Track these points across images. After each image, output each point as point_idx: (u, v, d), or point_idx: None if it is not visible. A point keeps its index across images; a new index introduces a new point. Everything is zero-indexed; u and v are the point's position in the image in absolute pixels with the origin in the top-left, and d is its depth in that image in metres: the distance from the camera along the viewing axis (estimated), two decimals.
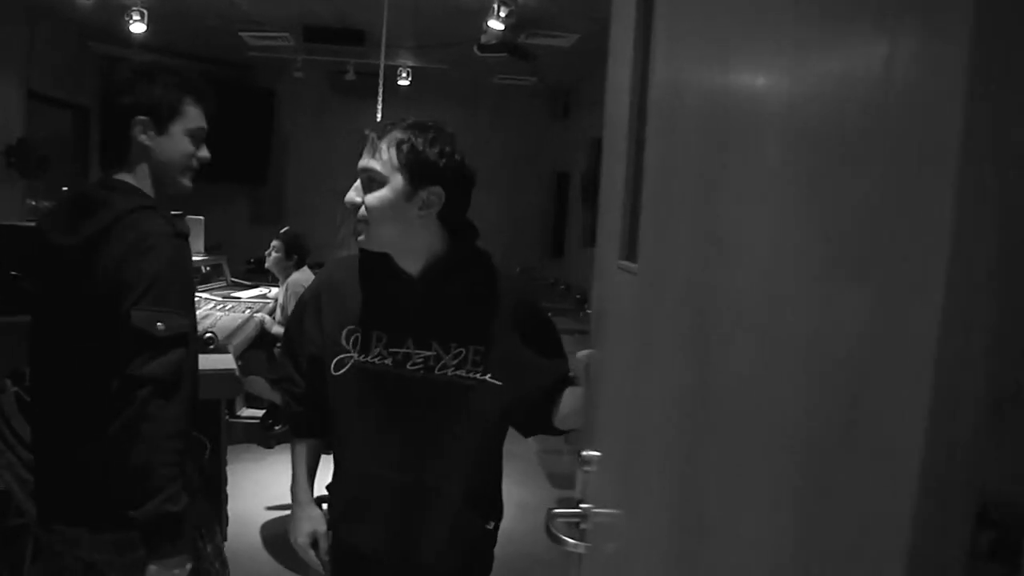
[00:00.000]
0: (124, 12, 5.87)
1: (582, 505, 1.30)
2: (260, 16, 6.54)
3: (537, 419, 1.75)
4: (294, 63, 8.10)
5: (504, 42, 5.89)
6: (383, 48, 5.05)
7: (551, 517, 1.30)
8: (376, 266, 1.71)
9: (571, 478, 1.40)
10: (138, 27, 5.88)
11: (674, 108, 0.94)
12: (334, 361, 1.70)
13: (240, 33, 7.08)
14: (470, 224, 1.74)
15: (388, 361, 1.67)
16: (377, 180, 1.60)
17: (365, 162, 1.61)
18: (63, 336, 1.79)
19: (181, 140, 1.85)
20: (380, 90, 4.93)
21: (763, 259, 0.70)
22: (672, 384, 0.91)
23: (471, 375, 1.65)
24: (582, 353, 1.51)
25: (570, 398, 1.69)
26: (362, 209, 1.60)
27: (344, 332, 1.70)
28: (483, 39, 5.69)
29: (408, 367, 1.66)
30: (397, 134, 1.60)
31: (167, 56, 8.04)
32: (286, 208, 9.69)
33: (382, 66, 5.08)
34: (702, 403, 0.81)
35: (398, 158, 1.59)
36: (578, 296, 6.62)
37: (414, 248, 1.67)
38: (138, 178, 1.83)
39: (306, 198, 9.70)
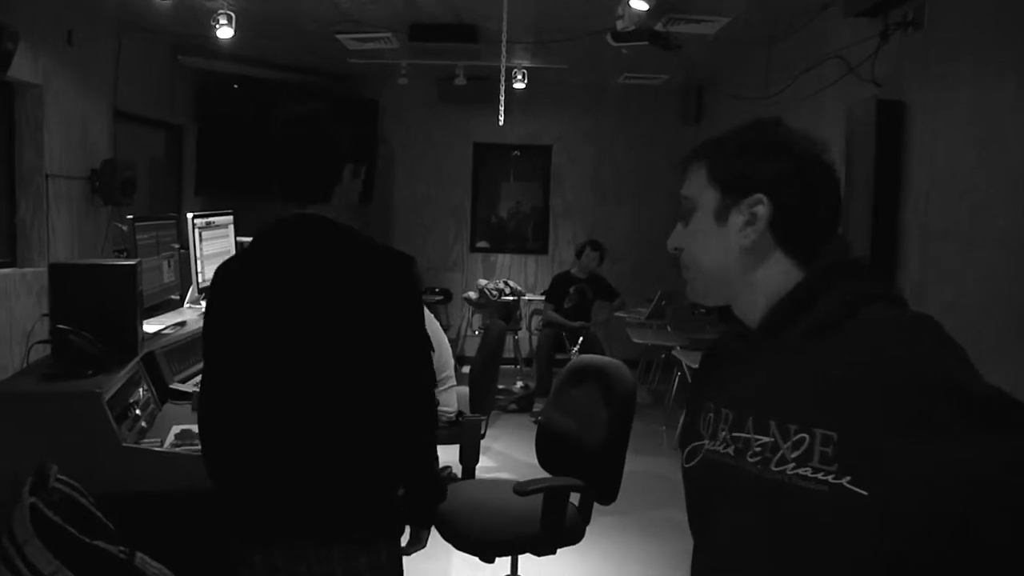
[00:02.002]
0: (211, 17, 5.24)
1: None
2: (361, 15, 5.80)
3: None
4: (398, 68, 7.38)
5: (643, 29, 4.94)
6: (504, 40, 4.19)
7: None
8: (727, 321, 1.40)
9: None
10: (225, 32, 5.23)
11: None
12: (688, 449, 1.35)
13: (338, 36, 6.36)
14: (831, 249, 1.27)
15: (730, 450, 1.25)
16: (687, 208, 1.29)
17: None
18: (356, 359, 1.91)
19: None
20: (502, 88, 4.07)
21: None
22: None
23: (819, 476, 1.10)
24: None
25: None
26: (682, 255, 1.31)
27: (703, 411, 1.35)
28: (619, 25, 4.76)
29: (748, 458, 1.21)
30: (709, 146, 1.29)
31: (263, 68, 7.46)
32: (394, 228, 9.01)
33: (503, 60, 4.22)
34: None
35: (708, 171, 1.27)
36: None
37: (750, 291, 1.27)
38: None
39: (415, 216, 9.03)
